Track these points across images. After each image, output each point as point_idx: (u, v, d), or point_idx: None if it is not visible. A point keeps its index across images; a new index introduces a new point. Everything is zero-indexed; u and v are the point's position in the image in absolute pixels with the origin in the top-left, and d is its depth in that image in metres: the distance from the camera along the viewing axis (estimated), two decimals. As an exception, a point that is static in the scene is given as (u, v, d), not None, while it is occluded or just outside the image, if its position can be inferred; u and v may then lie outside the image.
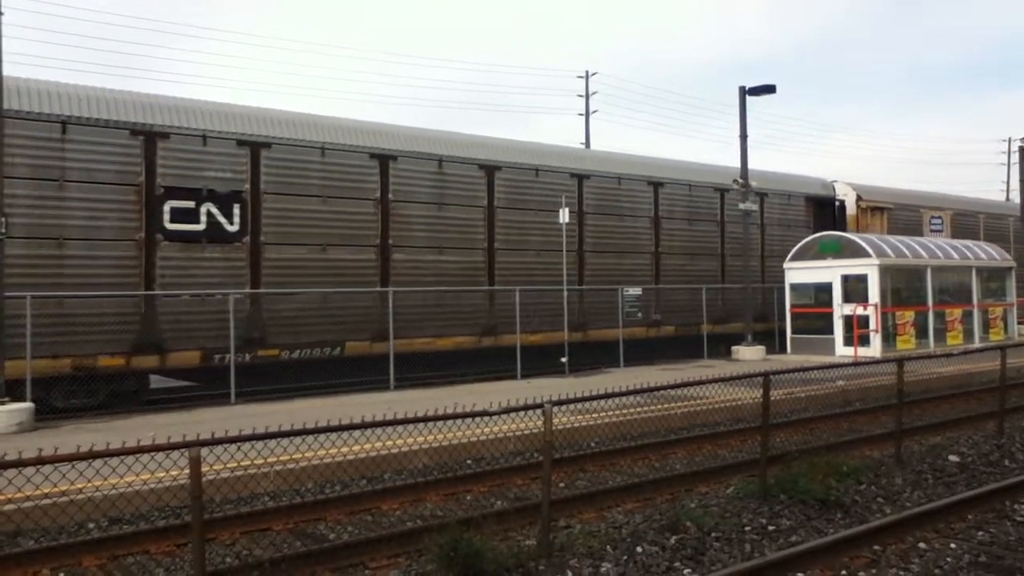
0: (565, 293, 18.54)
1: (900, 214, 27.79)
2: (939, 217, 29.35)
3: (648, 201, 21.35)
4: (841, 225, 25.71)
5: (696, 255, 22.38)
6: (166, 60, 65.52)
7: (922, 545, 6.38)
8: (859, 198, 26.94)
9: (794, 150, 79.48)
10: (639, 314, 20.48)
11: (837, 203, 26.33)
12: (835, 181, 27.21)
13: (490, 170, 18.34)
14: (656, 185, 21.53)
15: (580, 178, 19.94)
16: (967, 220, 30.84)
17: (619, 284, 19.90)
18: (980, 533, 6.70)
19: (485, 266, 18.21)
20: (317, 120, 16.47)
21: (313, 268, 15.72)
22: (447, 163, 17.67)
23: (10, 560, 6.25)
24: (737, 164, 22.10)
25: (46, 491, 6.71)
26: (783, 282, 22.46)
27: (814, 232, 24.49)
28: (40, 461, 4.67)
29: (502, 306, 18.05)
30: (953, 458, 9.57)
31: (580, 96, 43.25)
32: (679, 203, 22.01)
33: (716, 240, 22.97)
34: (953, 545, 6.38)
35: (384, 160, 16.77)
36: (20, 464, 4.67)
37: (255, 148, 15.19)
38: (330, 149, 16.11)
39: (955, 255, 23.59)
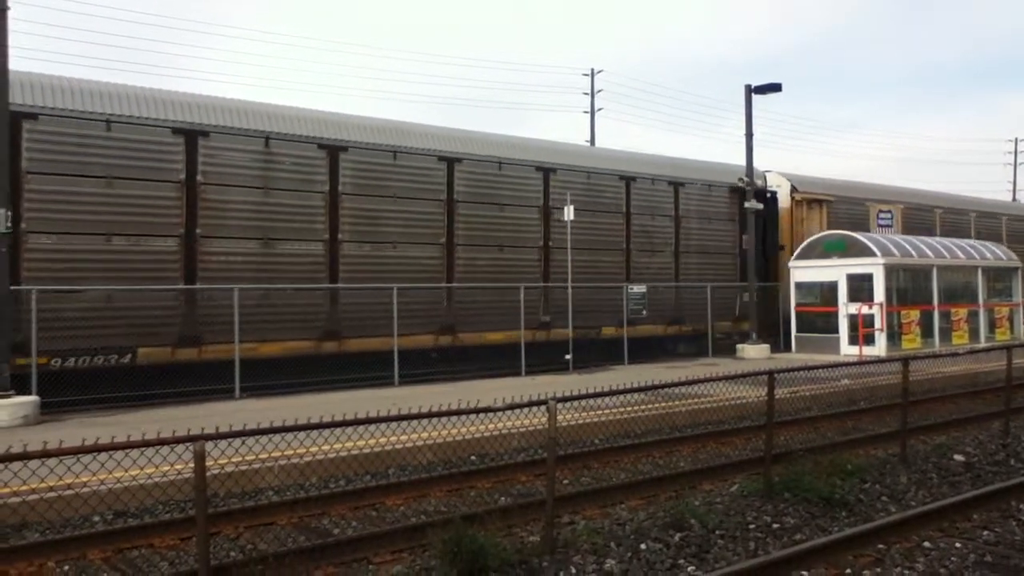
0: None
1: (842, 207, 25.56)
2: (888, 211, 26.98)
3: (537, 189, 19.15)
4: (772, 219, 24.03)
5: (596, 250, 20.06)
6: (175, 56, 65.61)
7: (927, 544, 6.36)
8: (794, 189, 24.89)
9: (799, 149, 79.33)
10: (545, 317, 18.68)
11: (768, 194, 24.04)
12: (768, 171, 25.02)
13: (334, 151, 16.12)
14: (547, 171, 19.29)
15: (451, 161, 17.78)
16: (922, 215, 28.35)
17: (499, 281, 17.80)
18: (986, 533, 6.68)
19: (325, 260, 15.96)
20: (101, 88, 14.38)
21: (93, 260, 13.74)
22: (277, 141, 15.43)
23: (16, 553, 6.27)
24: (669, 153, 21.73)
25: (51, 484, 6.73)
26: (702, 281, 21.57)
27: (738, 226, 22.99)
28: (45, 454, 4.68)
29: (348, 306, 15.99)
30: (958, 457, 9.55)
31: (586, 94, 43.25)
32: (576, 192, 19.48)
33: (621, 234, 20.73)
34: (958, 544, 6.36)
35: (192, 136, 14.56)
36: (25, 457, 4.67)
37: (16, 119, 13.04)
38: (117, 123, 14.05)
39: (961, 255, 23.55)
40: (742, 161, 21.94)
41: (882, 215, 26.81)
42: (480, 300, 17.80)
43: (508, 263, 18.51)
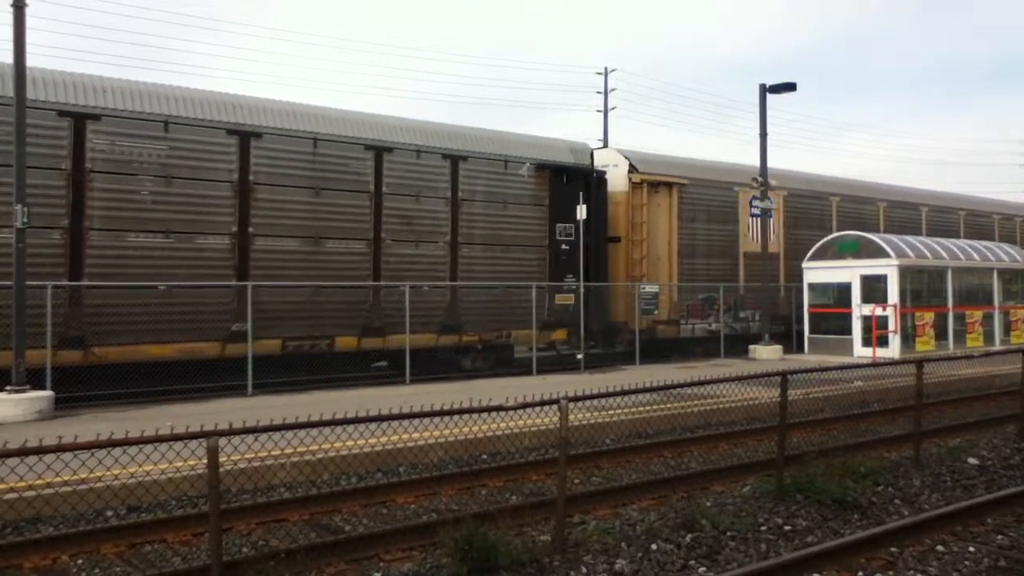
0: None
1: (697, 192, 21.60)
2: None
3: (229, 160, 14.75)
4: (599, 204, 19.59)
5: (325, 238, 15.68)
6: (186, 53, 65.94)
7: (940, 548, 6.33)
8: (632, 169, 20.60)
9: (812, 148, 78.91)
10: (232, 326, 14.38)
11: (595, 175, 19.79)
12: (603, 148, 21.35)
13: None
14: (245, 136, 14.86)
15: (79, 118, 13.35)
16: (810, 203, 24.80)
17: (176, 279, 13.85)
18: (1000, 537, 6.64)
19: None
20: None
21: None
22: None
23: (30, 546, 6.32)
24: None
25: (66, 478, 6.79)
26: (496, 279, 17.57)
27: (549, 211, 18.72)
28: (59, 449, 4.71)
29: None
30: (972, 461, 9.49)
31: (599, 93, 43.19)
32: (293, 164, 15.43)
33: (366, 219, 16.23)
34: (972, 548, 6.33)
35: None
36: (40, 451, 4.71)
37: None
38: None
39: (976, 256, 23.42)
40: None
41: (755, 203, 22.46)
42: (140, 302, 13.69)
43: (190, 256, 14.29)
